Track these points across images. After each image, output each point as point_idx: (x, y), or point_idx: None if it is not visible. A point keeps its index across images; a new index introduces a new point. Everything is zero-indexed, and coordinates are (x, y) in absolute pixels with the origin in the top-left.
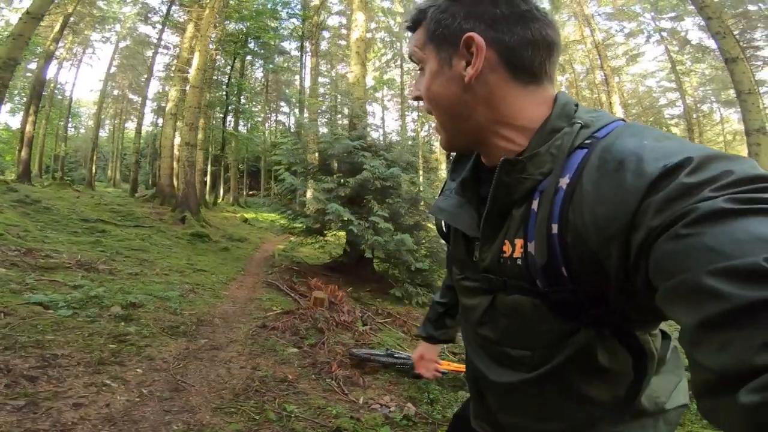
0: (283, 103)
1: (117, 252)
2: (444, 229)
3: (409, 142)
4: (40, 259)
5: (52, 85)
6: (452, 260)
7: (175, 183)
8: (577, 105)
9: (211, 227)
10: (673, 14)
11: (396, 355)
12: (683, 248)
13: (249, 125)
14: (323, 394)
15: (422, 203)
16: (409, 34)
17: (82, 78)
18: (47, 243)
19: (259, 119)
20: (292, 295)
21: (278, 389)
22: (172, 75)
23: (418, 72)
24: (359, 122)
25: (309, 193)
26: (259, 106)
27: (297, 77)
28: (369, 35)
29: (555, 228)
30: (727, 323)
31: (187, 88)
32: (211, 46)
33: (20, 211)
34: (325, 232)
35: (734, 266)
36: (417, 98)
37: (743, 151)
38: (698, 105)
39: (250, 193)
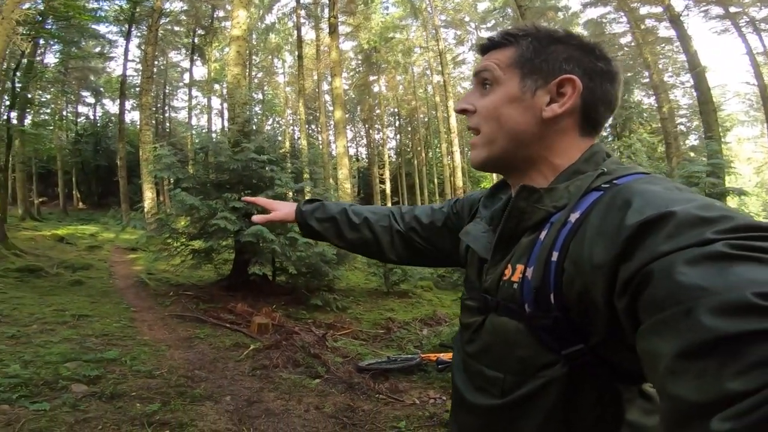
0: (86, 93)
1: None
2: (464, 251)
3: (312, 151)
4: None
5: None
6: (465, 281)
7: None
8: (609, 155)
9: (27, 255)
10: (491, 23)
11: (394, 359)
12: (677, 284)
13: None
14: (386, 407)
15: None
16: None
17: None
18: None
19: (47, 111)
20: (227, 326)
21: (359, 418)
22: None
23: (475, 87)
24: (247, 127)
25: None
26: (49, 96)
27: (109, 64)
28: None
29: (555, 255)
30: (705, 352)
31: None
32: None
33: None
34: (213, 254)
35: (721, 300)
36: (464, 111)
37: None
38: None
39: (41, 200)
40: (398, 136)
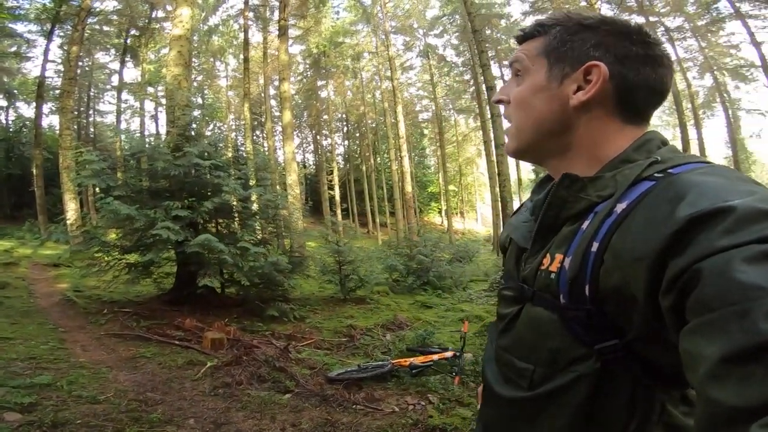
0: None
1: None
2: (506, 243)
3: (261, 156)
4: None
5: None
6: (503, 272)
7: None
8: (665, 144)
9: None
10: (439, 29)
11: (365, 367)
12: (733, 283)
13: None
14: (366, 418)
15: (280, 219)
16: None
17: None
18: None
19: None
20: (176, 343)
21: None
22: None
23: (511, 78)
24: (188, 131)
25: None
26: None
27: (25, 65)
28: None
29: (595, 246)
30: (755, 357)
31: None
32: None
33: None
34: (152, 268)
35: None
36: (500, 102)
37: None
38: (441, 112)
39: None
40: (346, 142)
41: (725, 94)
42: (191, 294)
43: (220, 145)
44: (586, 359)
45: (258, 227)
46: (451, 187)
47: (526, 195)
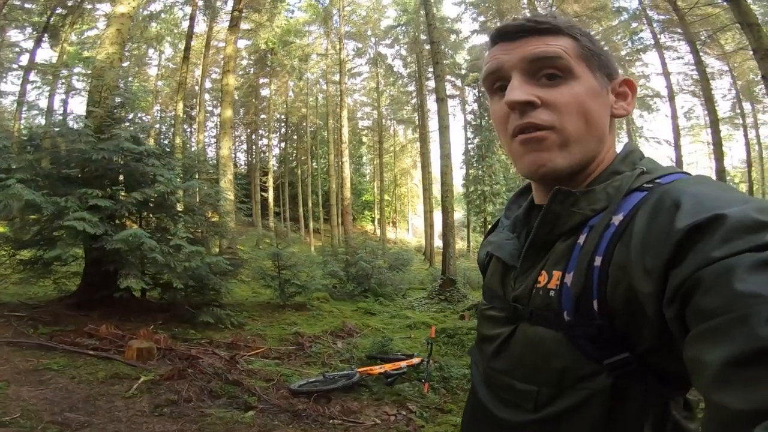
0: None
1: None
2: (485, 262)
3: (197, 148)
4: None
5: None
6: (483, 291)
7: None
8: (643, 156)
9: None
10: (390, 39)
11: (331, 376)
12: (731, 291)
13: None
14: None
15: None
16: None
17: None
18: None
19: None
20: (90, 353)
21: None
22: None
23: (522, 77)
24: (117, 113)
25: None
26: None
27: None
28: None
29: (598, 260)
30: (757, 361)
31: None
32: None
33: None
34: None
35: None
36: (529, 103)
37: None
38: (383, 120)
39: None
40: (282, 144)
41: (632, 122)
42: (105, 297)
43: (143, 135)
44: (596, 375)
45: (192, 224)
46: (385, 197)
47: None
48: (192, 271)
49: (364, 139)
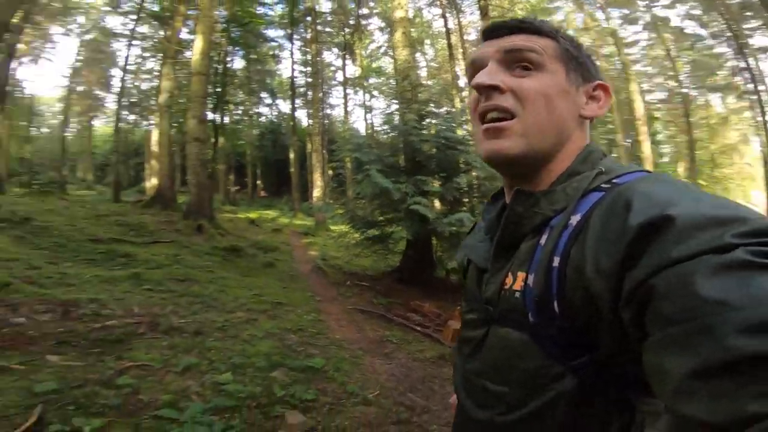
0: (265, 94)
1: (168, 289)
2: (465, 264)
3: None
4: (89, 323)
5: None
6: (464, 294)
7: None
8: (605, 155)
9: (229, 234)
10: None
11: None
12: (692, 297)
13: (230, 118)
14: None
15: None
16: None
17: (42, 74)
18: (72, 285)
19: (239, 111)
20: (417, 329)
21: None
22: (157, 65)
23: (498, 65)
24: (426, 108)
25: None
26: (242, 97)
27: (279, 66)
28: None
29: (556, 261)
30: (723, 372)
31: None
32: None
33: (12, 234)
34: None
35: (746, 317)
36: (493, 87)
37: None
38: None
39: (236, 188)
40: None
41: None
42: (425, 275)
43: (454, 125)
44: (562, 377)
45: None
46: (699, 181)
47: None
48: None
49: (657, 114)
